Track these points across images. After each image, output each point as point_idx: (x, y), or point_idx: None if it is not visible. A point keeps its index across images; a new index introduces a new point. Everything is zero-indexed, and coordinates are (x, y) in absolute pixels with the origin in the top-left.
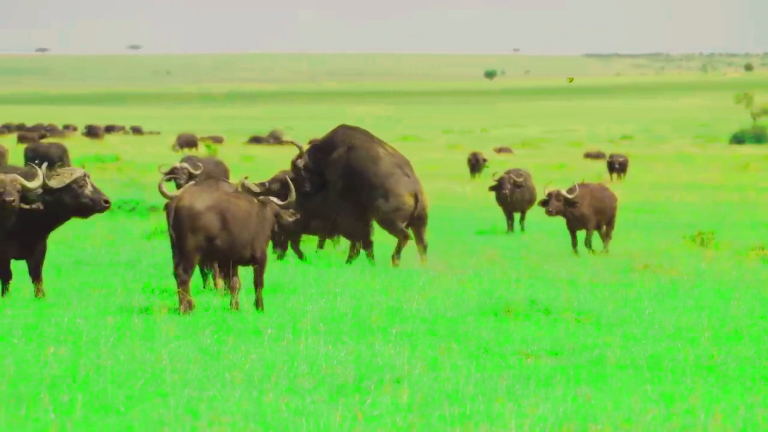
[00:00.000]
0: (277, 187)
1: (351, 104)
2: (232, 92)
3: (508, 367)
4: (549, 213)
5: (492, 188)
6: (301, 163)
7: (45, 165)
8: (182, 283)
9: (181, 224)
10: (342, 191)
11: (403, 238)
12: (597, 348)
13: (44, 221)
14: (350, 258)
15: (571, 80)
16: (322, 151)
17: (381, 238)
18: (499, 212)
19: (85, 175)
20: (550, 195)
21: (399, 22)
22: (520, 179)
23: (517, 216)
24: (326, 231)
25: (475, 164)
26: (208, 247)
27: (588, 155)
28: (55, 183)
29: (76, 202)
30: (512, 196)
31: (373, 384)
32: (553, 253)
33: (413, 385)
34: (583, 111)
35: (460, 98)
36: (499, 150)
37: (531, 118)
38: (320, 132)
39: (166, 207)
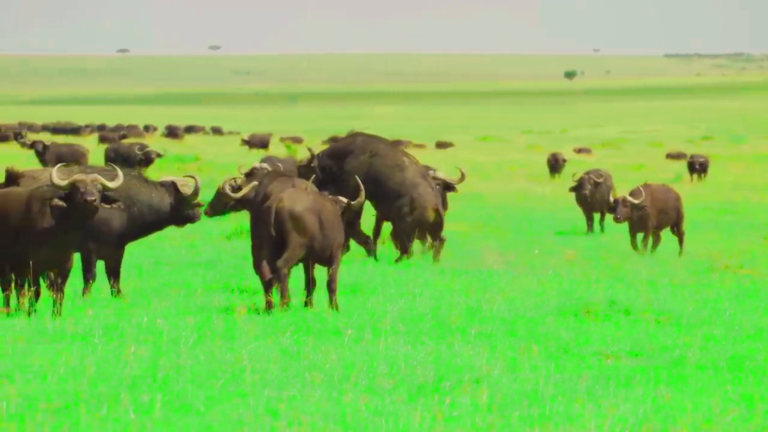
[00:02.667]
0: None
1: (430, 104)
2: (312, 92)
3: (588, 367)
4: (617, 220)
5: (572, 189)
6: (315, 162)
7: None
8: (279, 279)
9: (283, 224)
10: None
11: (407, 251)
12: (677, 348)
13: (151, 227)
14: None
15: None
16: (334, 157)
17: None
18: (578, 213)
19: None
20: (616, 201)
21: (477, 22)
22: (600, 180)
23: (596, 216)
24: None
25: (555, 165)
26: (309, 248)
27: (669, 155)
28: (187, 191)
29: (186, 212)
30: (592, 197)
31: (452, 384)
32: (632, 254)
33: (493, 386)
34: (663, 111)
35: (539, 98)
36: (579, 150)
37: (611, 118)
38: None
39: (261, 208)
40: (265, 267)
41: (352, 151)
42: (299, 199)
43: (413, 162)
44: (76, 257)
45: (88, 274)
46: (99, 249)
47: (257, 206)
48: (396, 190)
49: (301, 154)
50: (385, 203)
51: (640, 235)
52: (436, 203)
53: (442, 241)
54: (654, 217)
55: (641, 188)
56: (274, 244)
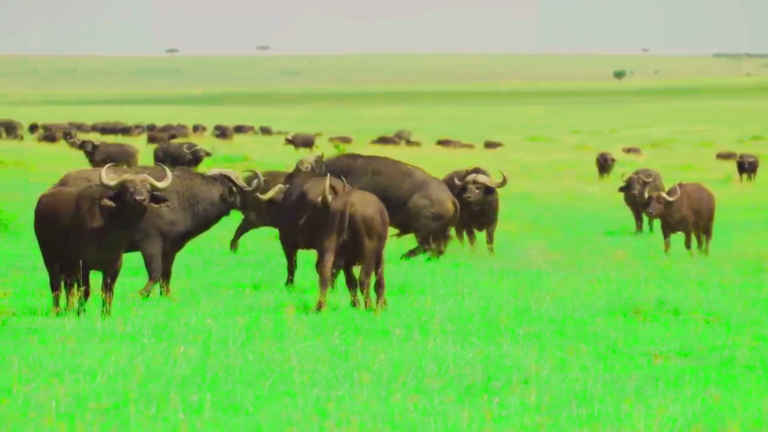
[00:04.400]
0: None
1: (479, 104)
2: (360, 92)
3: (637, 367)
4: (650, 215)
5: (621, 189)
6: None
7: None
8: (362, 285)
9: (357, 229)
10: None
11: (426, 246)
12: (726, 349)
13: (212, 222)
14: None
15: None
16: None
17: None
18: (627, 213)
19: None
20: (650, 198)
21: (526, 22)
22: (649, 180)
23: (645, 216)
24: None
25: (604, 164)
26: (378, 248)
27: (720, 155)
28: (247, 185)
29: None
30: (641, 197)
31: (501, 384)
32: (682, 254)
33: (541, 386)
34: (713, 111)
35: (588, 98)
36: (628, 150)
37: (660, 118)
38: (447, 132)
39: (329, 209)
40: (330, 268)
41: (352, 171)
42: (367, 201)
43: (419, 169)
44: (136, 257)
45: (155, 273)
46: (164, 248)
47: (297, 206)
48: (408, 192)
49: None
50: (400, 209)
51: (674, 238)
52: (452, 197)
53: (447, 237)
54: (690, 218)
55: (677, 187)
56: (343, 247)
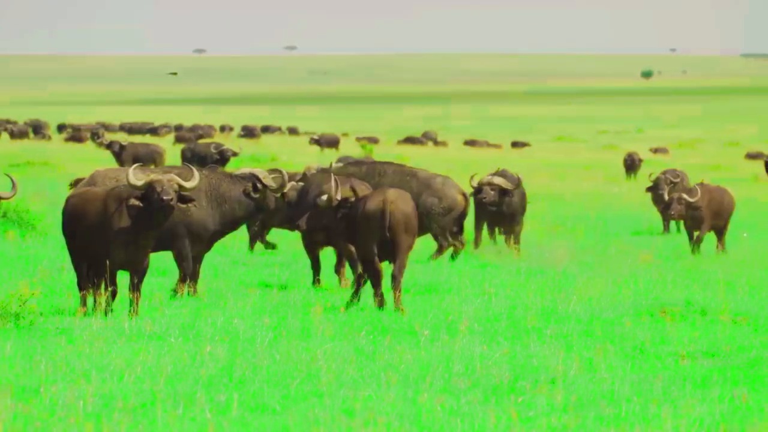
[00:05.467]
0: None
1: (504, 105)
2: (387, 92)
3: (664, 368)
4: (672, 216)
5: (648, 189)
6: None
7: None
8: (395, 281)
9: (396, 227)
10: None
11: (444, 242)
12: (754, 349)
13: (240, 221)
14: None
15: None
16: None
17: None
18: (655, 213)
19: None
20: (672, 198)
21: (553, 22)
22: (677, 180)
23: None
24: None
25: (631, 165)
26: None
27: (748, 155)
28: (275, 185)
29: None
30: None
31: (528, 385)
32: (709, 254)
33: (568, 386)
34: (741, 111)
35: (616, 98)
36: (655, 150)
37: (687, 118)
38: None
39: (371, 209)
40: (379, 264)
41: (360, 178)
42: (403, 198)
43: (423, 170)
44: (163, 256)
45: (186, 273)
46: (193, 248)
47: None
48: (416, 193)
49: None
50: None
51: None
52: (460, 189)
53: (461, 242)
54: (709, 218)
55: (698, 187)
56: (381, 245)
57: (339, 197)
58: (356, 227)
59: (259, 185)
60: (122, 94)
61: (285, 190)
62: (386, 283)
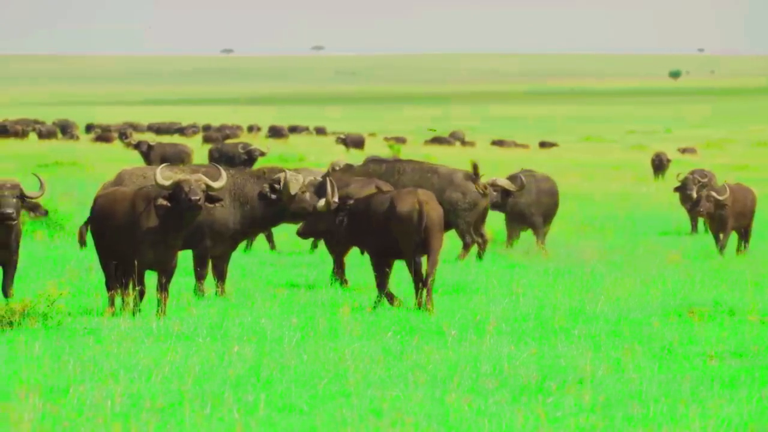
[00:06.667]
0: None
1: (533, 104)
2: (415, 92)
3: (692, 368)
4: (700, 213)
5: (676, 189)
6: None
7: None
8: (427, 279)
9: (432, 227)
10: None
11: (469, 239)
12: None
13: (266, 223)
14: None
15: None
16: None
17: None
18: (683, 213)
19: (309, 183)
20: (699, 196)
21: (580, 21)
22: (705, 180)
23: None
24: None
25: (659, 165)
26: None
27: None
28: (292, 188)
29: (298, 208)
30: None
31: (556, 385)
32: (737, 254)
33: (596, 386)
34: None
35: (644, 98)
36: (683, 150)
37: (716, 118)
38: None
39: (407, 209)
40: (421, 266)
41: (381, 176)
42: (431, 198)
43: (443, 165)
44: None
45: (202, 272)
46: (214, 247)
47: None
48: (438, 189)
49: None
50: None
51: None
52: (482, 183)
53: (485, 238)
54: (733, 218)
55: (726, 186)
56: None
57: (336, 200)
58: (385, 229)
59: (276, 186)
60: (151, 94)
61: (292, 193)
62: (393, 281)
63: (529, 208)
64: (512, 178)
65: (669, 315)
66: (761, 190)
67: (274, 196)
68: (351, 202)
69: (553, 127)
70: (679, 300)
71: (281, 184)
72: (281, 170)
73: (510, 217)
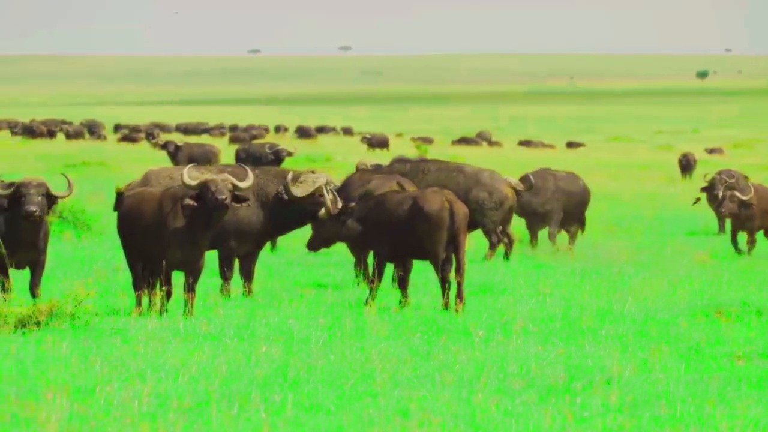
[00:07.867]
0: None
1: (559, 104)
2: (442, 92)
3: (720, 369)
4: (722, 214)
5: (703, 189)
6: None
7: (291, 175)
8: (458, 272)
9: (458, 226)
10: None
11: (495, 238)
12: None
13: (285, 224)
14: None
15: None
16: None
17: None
18: (710, 213)
19: (327, 183)
20: (723, 197)
21: (608, 21)
22: (732, 180)
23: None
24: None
25: (686, 165)
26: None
27: None
28: (299, 191)
29: (315, 210)
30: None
31: (583, 385)
32: (765, 254)
33: (623, 387)
34: None
35: (671, 99)
36: (711, 151)
37: (743, 118)
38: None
39: (436, 208)
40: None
41: (406, 175)
42: (455, 197)
43: (469, 164)
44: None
45: (228, 273)
46: (240, 248)
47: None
48: (464, 188)
49: (430, 155)
50: None
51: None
52: (508, 181)
53: (511, 238)
54: (758, 218)
55: (751, 185)
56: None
57: (339, 206)
58: (408, 229)
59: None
60: (178, 94)
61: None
62: (420, 282)
63: (543, 206)
64: (523, 179)
65: (696, 315)
66: None
67: (285, 197)
68: (352, 205)
69: (580, 128)
70: (706, 300)
71: (288, 183)
72: (310, 172)
73: (526, 216)
